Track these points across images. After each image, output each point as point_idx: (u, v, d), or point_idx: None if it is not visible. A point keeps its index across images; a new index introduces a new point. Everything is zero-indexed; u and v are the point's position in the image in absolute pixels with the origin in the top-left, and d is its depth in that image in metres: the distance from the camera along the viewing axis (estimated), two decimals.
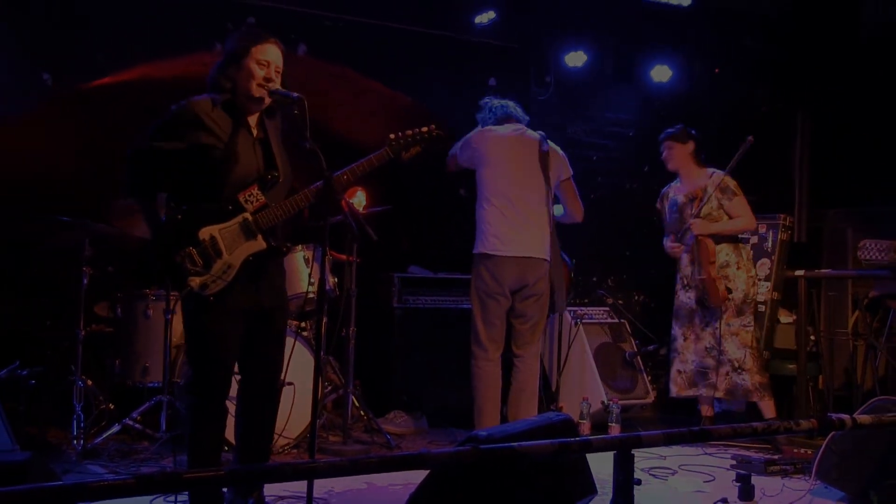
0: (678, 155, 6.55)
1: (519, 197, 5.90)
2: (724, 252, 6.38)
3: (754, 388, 6.33)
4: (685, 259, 6.51)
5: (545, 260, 5.96)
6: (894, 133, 7.33)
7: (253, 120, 4.16)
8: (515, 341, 6.05)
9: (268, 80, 4.04)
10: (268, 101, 4.07)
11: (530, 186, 5.94)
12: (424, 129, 4.28)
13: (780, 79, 7.71)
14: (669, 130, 6.62)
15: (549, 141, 6.07)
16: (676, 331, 6.57)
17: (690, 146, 6.53)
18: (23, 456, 4.41)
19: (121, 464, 5.34)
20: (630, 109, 7.88)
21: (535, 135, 6.06)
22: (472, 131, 6.03)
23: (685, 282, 6.52)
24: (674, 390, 6.57)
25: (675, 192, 6.64)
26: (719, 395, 6.41)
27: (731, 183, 6.39)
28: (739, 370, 6.34)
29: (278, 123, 4.30)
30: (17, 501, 2.80)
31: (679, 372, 6.51)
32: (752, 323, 6.47)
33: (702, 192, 6.41)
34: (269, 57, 4.08)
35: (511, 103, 6.16)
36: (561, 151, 6.12)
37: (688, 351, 6.49)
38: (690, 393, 6.51)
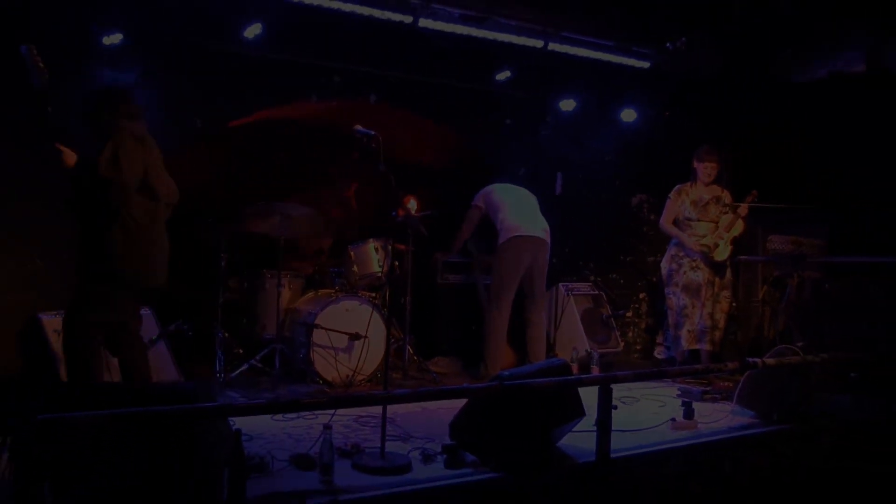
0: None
1: (521, 203, 6.26)
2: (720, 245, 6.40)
3: (718, 342, 6.41)
4: (693, 245, 6.34)
5: (547, 242, 6.21)
6: (792, 157, 7.38)
7: None
8: (529, 308, 6.27)
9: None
10: None
11: (526, 200, 6.34)
12: None
13: (711, 119, 7.65)
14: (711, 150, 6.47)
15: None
16: (685, 301, 6.38)
17: None
18: (190, 384, 4.54)
19: (249, 391, 5.42)
20: (608, 140, 7.92)
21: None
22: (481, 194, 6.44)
23: (694, 264, 6.36)
24: (685, 344, 6.40)
25: (699, 191, 6.47)
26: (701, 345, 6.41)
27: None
28: (715, 328, 6.37)
29: None
30: (193, 414, 3.10)
31: (689, 331, 6.37)
32: (731, 296, 6.54)
33: (721, 195, 6.44)
34: None
35: None
36: None
37: (695, 315, 6.36)
38: (696, 346, 6.39)
